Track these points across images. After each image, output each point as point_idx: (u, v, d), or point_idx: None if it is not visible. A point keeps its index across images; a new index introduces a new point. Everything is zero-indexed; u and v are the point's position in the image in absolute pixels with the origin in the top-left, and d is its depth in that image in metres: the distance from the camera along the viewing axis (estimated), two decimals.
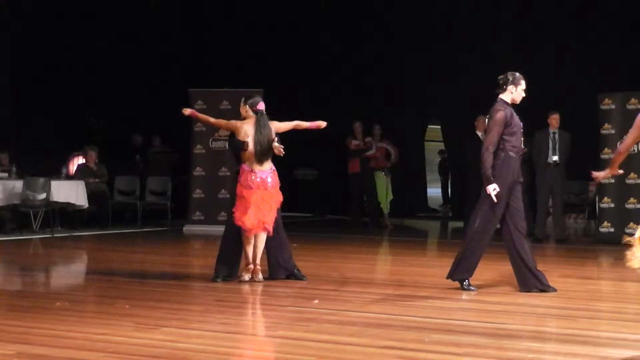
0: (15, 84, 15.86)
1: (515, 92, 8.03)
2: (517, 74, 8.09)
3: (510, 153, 7.97)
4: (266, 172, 8.48)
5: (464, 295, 7.95)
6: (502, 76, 8.10)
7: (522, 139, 8.19)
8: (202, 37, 18.32)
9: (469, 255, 8.06)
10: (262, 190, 8.42)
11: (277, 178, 8.59)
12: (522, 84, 8.06)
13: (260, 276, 8.58)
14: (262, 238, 8.59)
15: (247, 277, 8.57)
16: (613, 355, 5.59)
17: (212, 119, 9.01)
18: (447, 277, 8.19)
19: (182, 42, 18.04)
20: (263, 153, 8.44)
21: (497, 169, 7.93)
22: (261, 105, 8.56)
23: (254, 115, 8.53)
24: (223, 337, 6.15)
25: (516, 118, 8.04)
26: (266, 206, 8.44)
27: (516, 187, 8.06)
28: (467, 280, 8.13)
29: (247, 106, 8.59)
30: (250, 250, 8.56)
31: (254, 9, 17.94)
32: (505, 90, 8.04)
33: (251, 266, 8.56)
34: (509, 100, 8.04)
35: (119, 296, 7.81)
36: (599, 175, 7.10)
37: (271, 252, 8.78)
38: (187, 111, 8.94)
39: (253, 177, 8.42)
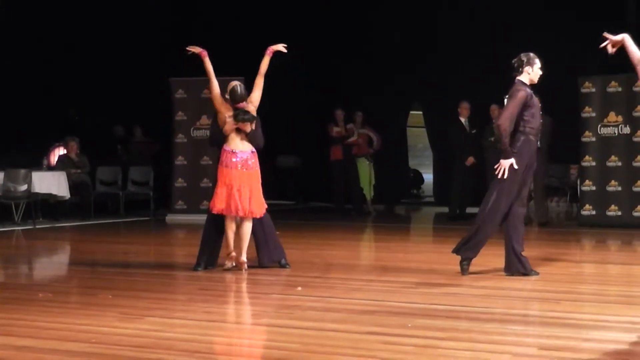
0: None
1: (532, 73, 8.03)
2: (531, 54, 8.09)
3: (530, 136, 7.98)
4: (247, 152, 8.46)
5: (447, 280, 7.98)
6: (515, 59, 8.08)
7: (541, 120, 8.18)
8: (183, 26, 18.24)
9: (480, 234, 8.06)
10: (242, 171, 8.39)
11: (257, 160, 8.57)
12: (538, 63, 8.06)
13: (246, 266, 8.53)
14: (248, 227, 8.53)
15: (229, 264, 8.53)
16: (596, 337, 5.62)
17: (213, 78, 8.74)
18: (453, 252, 8.19)
19: (163, 31, 17.95)
20: (242, 113, 8.42)
21: (516, 150, 7.92)
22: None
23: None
24: (207, 325, 6.14)
25: (535, 99, 8.07)
26: (247, 190, 8.40)
27: (529, 173, 8.06)
28: (468, 262, 8.13)
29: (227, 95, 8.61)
30: (231, 236, 8.50)
31: None
32: (521, 72, 8.03)
33: (233, 254, 8.48)
34: (527, 82, 8.04)
35: (103, 287, 7.79)
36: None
37: (257, 239, 8.78)
38: (196, 49, 8.77)
39: (233, 158, 8.40)
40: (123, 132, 17.45)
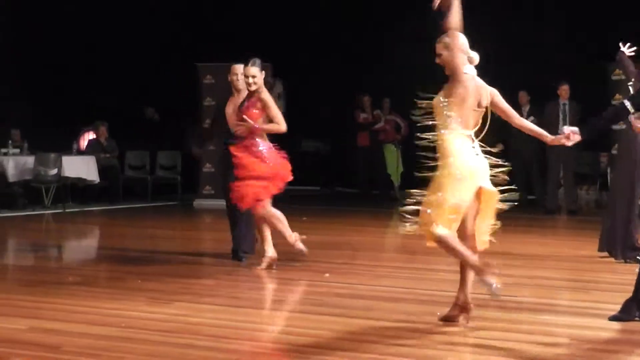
0: (25, 60, 15.82)
1: None
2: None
3: None
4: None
5: None
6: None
7: None
8: (210, 11, 18.23)
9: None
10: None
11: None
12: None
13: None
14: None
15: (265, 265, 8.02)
16: (627, 328, 5.56)
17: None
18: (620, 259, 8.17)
19: (190, 16, 17.95)
20: None
21: None
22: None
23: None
24: (235, 311, 6.15)
25: None
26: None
27: None
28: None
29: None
30: (269, 232, 8.04)
31: None
32: None
33: (276, 256, 8.03)
34: None
35: (131, 271, 7.83)
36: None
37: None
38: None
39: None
40: (153, 114, 17.46)
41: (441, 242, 5.41)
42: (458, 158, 5.47)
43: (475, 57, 5.84)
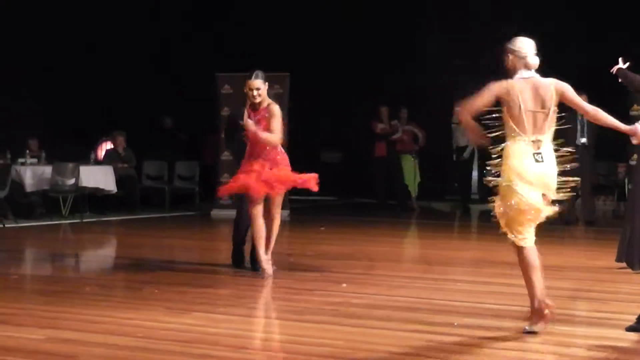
0: (42, 69, 15.92)
1: None
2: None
3: None
4: None
5: (493, 278, 7.91)
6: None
7: None
8: (228, 21, 18.30)
9: None
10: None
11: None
12: None
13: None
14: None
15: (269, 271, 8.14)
16: None
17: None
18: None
19: (209, 26, 18.03)
20: None
21: None
22: None
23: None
24: (252, 321, 6.17)
25: None
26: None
27: None
28: None
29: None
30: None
31: None
32: None
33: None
34: None
35: (148, 281, 7.85)
36: None
37: None
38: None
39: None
40: (171, 124, 17.52)
41: (519, 254, 5.70)
42: (510, 164, 5.49)
43: (533, 61, 5.80)
